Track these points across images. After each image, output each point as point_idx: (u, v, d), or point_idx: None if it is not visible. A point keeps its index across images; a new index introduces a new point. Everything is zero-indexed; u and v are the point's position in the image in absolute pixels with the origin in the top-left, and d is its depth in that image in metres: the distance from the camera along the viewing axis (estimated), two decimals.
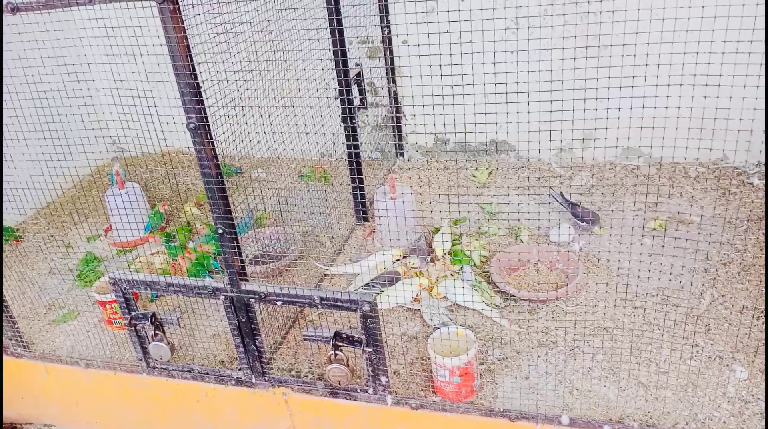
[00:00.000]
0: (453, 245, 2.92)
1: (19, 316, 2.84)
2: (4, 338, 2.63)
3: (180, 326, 2.36)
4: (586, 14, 3.33)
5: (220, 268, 3.08)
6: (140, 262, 3.10)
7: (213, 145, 1.93)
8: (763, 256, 2.75)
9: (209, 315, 2.78)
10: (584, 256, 2.91)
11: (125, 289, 2.29)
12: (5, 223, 3.59)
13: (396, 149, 4.06)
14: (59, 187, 3.17)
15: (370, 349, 2.11)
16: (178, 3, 1.72)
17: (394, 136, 4.01)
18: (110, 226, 3.54)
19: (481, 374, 2.28)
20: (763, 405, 2.03)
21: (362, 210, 3.39)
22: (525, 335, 2.47)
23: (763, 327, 2.35)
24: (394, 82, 3.81)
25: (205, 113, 1.87)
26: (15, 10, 1.89)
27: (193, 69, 1.80)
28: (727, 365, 2.21)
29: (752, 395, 2.08)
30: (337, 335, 2.12)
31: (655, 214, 3.14)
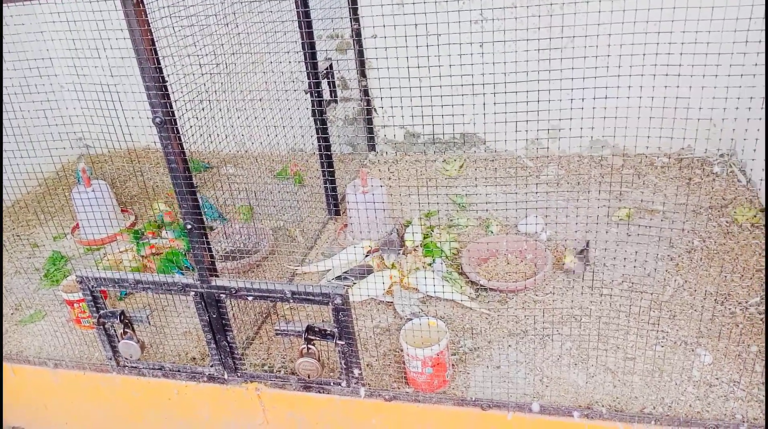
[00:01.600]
0: (424, 238, 2.94)
1: None
2: None
3: (150, 324, 2.34)
4: (549, 6, 3.37)
5: (191, 266, 3.06)
6: (108, 260, 3.06)
7: (180, 139, 1.91)
8: (727, 243, 2.82)
9: (180, 312, 2.76)
10: (553, 245, 2.95)
11: (93, 287, 2.26)
12: None
13: (367, 143, 4.07)
14: (24, 185, 3.12)
15: (343, 342, 2.11)
16: None
17: (365, 130, 4.01)
18: (77, 224, 3.48)
19: (453, 364, 2.30)
20: (726, 388, 2.09)
21: (334, 204, 3.39)
22: (496, 325, 2.50)
23: (727, 312, 2.42)
24: (363, 76, 3.81)
25: (171, 107, 1.85)
26: None
27: (158, 62, 1.78)
28: (692, 350, 2.26)
29: (716, 379, 2.13)
30: (309, 329, 2.12)
31: (620, 204, 3.20)
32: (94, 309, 2.29)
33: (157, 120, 1.84)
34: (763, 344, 2.23)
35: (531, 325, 2.48)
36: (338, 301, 2.03)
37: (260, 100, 2.55)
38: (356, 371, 2.17)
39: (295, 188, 3.63)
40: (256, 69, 2.68)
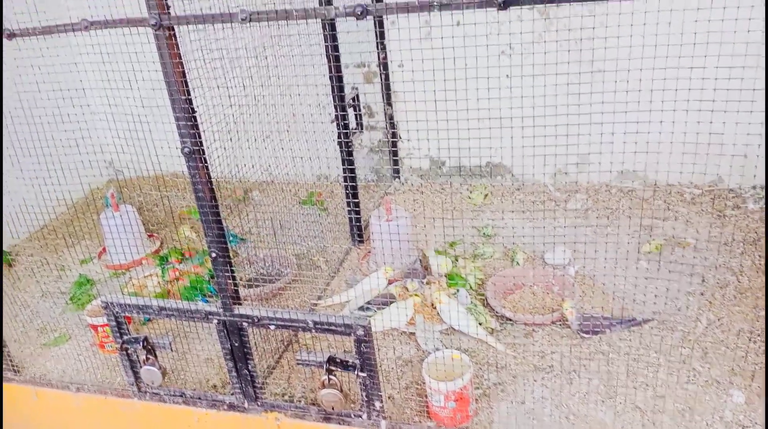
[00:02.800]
0: (451, 273, 2.89)
1: (10, 340, 2.81)
2: None
3: (172, 350, 2.34)
4: (579, 41, 3.37)
5: (215, 292, 3.07)
6: (133, 284, 3.08)
7: (207, 169, 1.93)
8: (760, 279, 2.75)
9: (202, 338, 2.76)
10: (580, 279, 2.90)
11: (117, 312, 2.27)
12: None
13: (392, 171, 4.07)
14: (53, 211, 3.17)
15: (365, 374, 2.08)
16: (173, 29, 1.73)
17: (390, 158, 4.02)
18: (104, 248, 3.52)
19: (476, 399, 2.26)
20: None
21: (358, 232, 3.38)
22: (521, 359, 2.45)
23: (760, 351, 2.34)
24: (390, 105, 3.83)
25: (199, 138, 1.87)
26: (11, 35, 1.90)
27: (188, 94, 1.81)
28: (725, 390, 2.19)
29: (750, 420, 2.06)
30: (331, 360, 2.10)
31: (650, 237, 3.14)
32: (118, 334, 2.30)
33: (186, 150, 1.86)
34: None
35: (557, 360, 2.43)
36: (360, 332, 2.01)
37: (287, 131, 2.57)
38: (377, 404, 2.14)
39: (318, 216, 3.63)
40: (284, 99, 2.70)
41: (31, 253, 3.70)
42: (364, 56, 3.72)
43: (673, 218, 3.32)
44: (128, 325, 2.32)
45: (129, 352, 2.33)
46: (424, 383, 2.24)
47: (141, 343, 2.27)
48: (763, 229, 3.11)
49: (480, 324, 2.62)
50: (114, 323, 2.28)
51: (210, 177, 1.94)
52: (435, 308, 2.70)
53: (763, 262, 2.86)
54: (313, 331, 2.08)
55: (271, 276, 3.08)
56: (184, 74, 1.79)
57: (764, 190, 3.39)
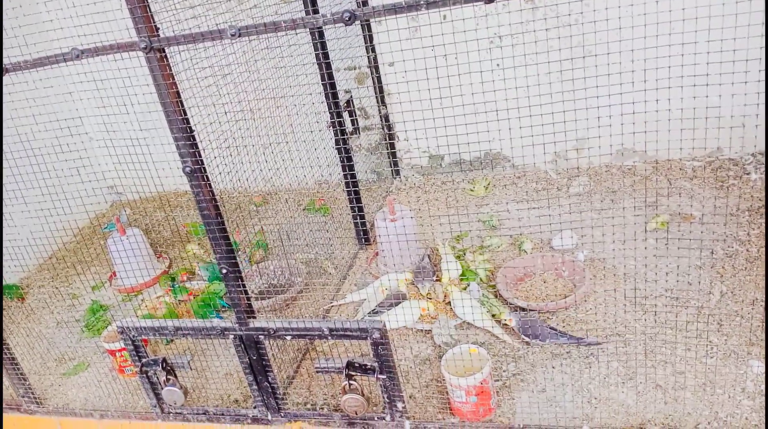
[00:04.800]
0: (463, 273, 2.87)
1: (30, 372, 2.82)
2: (16, 396, 2.62)
3: (191, 369, 2.35)
4: (568, 26, 3.36)
5: (228, 306, 3.08)
6: (146, 307, 3.10)
7: (210, 186, 1.93)
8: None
9: (219, 354, 2.77)
10: (589, 262, 2.90)
11: (134, 336, 2.28)
12: (9, 281, 3.58)
13: (392, 170, 4.07)
14: (59, 240, 3.19)
15: (384, 376, 2.09)
16: (164, 51, 1.73)
17: (389, 157, 4.02)
18: (114, 272, 3.54)
19: (497, 391, 2.27)
20: None
21: (363, 233, 3.39)
22: (537, 347, 2.46)
23: None
24: (384, 105, 3.83)
25: (200, 156, 1.88)
26: (3, 71, 1.91)
27: (185, 114, 1.81)
28: (744, 361, 2.19)
29: None
30: (350, 365, 2.11)
31: (655, 214, 3.14)
32: (136, 358, 2.31)
33: (187, 169, 1.87)
34: None
35: (574, 345, 2.43)
36: (377, 335, 2.02)
37: (286, 142, 2.58)
38: (399, 404, 2.14)
39: (323, 220, 3.64)
40: (279, 108, 2.71)
41: (41, 284, 3.72)
42: (355, 59, 3.73)
43: (677, 193, 3.32)
44: (145, 348, 2.33)
45: (149, 374, 2.34)
46: (443, 380, 2.24)
47: (160, 365, 2.28)
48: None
49: (494, 316, 2.62)
50: (131, 347, 2.30)
51: (213, 194, 1.95)
52: (448, 304, 2.71)
53: None
54: (330, 338, 2.09)
55: (281, 286, 3.09)
56: (178, 94, 1.80)
57: (765, 158, 3.39)
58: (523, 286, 2.79)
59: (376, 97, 3.78)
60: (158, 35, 1.71)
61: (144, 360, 2.31)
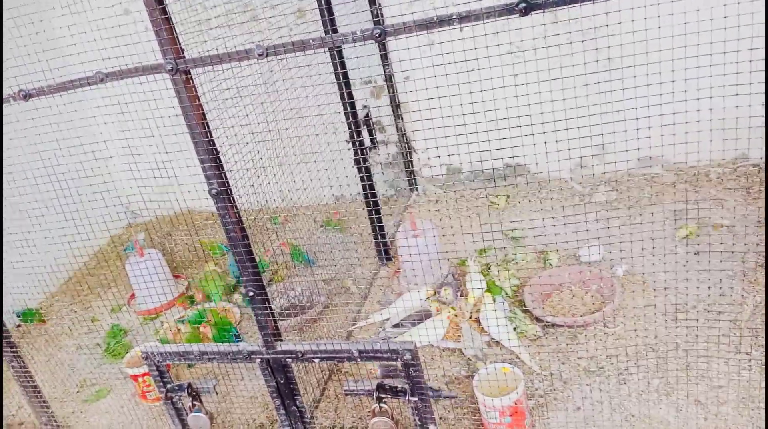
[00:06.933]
0: (488, 289, 2.82)
1: (52, 398, 2.79)
2: (39, 424, 2.58)
3: (216, 393, 2.30)
4: (591, 37, 3.30)
5: (238, 333, 3.04)
6: (167, 329, 3.06)
7: (236, 208, 1.90)
8: None
9: (242, 377, 2.73)
10: (603, 270, 2.83)
11: (158, 362, 2.24)
12: (28, 305, 3.55)
13: (410, 184, 4.03)
14: (79, 262, 3.16)
15: (416, 399, 2.04)
16: (190, 73, 1.70)
17: (407, 171, 3.98)
18: (133, 294, 3.50)
19: (531, 410, 2.21)
20: None
21: (384, 250, 3.34)
22: (570, 363, 2.40)
23: None
24: (401, 118, 3.80)
25: (225, 178, 1.84)
26: (27, 96, 1.89)
27: (211, 136, 1.78)
28: None
29: None
30: (380, 387, 2.06)
31: (683, 222, 3.08)
32: (161, 384, 2.27)
33: (213, 191, 1.83)
34: None
35: (607, 360, 2.37)
36: (408, 356, 1.96)
37: (306, 161, 2.55)
38: (432, 427, 2.09)
39: (341, 237, 3.60)
40: (299, 126, 2.68)
41: (60, 307, 3.69)
42: (370, 72, 3.70)
43: (703, 200, 3.26)
44: (169, 372, 2.29)
45: (173, 400, 2.30)
46: (475, 400, 2.19)
47: (185, 390, 2.24)
48: None
49: (521, 332, 2.57)
50: (156, 372, 2.25)
51: (240, 216, 1.91)
52: (477, 320, 2.66)
53: None
54: (359, 360, 2.04)
55: (303, 305, 3.05)
56: (204, 116, 1.77)
57: (765, 161, 3.32)
58: (551, 300, 2.74)
59: (393, 110, 3.75)
60: (184, 57, 1.68)
61: (169, 385, 2.26)
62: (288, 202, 2.72)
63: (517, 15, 1.42)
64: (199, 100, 1.74)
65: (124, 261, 3.71)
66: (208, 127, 1.77)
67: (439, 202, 3.92)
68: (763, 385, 2.10)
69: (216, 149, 1.80)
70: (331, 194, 3.98)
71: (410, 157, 3.93)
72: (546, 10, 1.42)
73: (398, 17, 3.41)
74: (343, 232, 3.67)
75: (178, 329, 3.06)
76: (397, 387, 2.05)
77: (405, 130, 3.83)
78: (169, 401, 2.30)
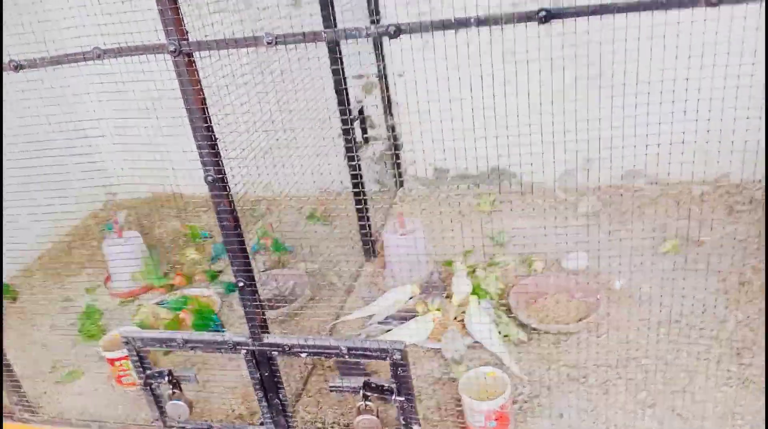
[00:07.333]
0: (474, 291, 2.81)
1: (23, 377, 2.71)
2: (9, 403, 2.51)
3: (197, 382, 2.26)
4: (583, 45, 3.31)
5: (220, 322, 3.00)
6: (144, 313, 3.00)
7: (231, 196, 1.86)
8: None
9: (221, 366, 2.69)
10: (601, 284, 2.85)
11: (139, 347, 2.19)
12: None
13: (396, 181, 4.01)
14: (52, 238, 3.07)
15: (402, 398, 2.03)
16: (192, 56, 1.66)
17: (394, 167, 3.96)
18: (109, 275, 3.42)
19: (515, 415, 2.21)
20: None
21: (371, 246, 3.31)
22: (554, 370, 2.41)
23: None
24: (390, 114, 3.77)
25: (222, 165, 1.80)
26: (18, 67, 1.82)
27: (209, 121, 1.74)
28: (762, 390, 2.16)
29: None
30: (367, 385, 2.04)
31: (664, 236, 3.12)
32: (141, 369, 2.22)
33: (209, 178, 1.79)
34: None
35: (592, 369, 2.39)
36: (398, 356, 1.95)
37: (302, 155, 2.51)
38: (416, 427, 2.08)
39: (326, 231, 3.57)
40: (291, 116, 2.65)
41: (33, 284, 3.58)
42: (363, 67, 3.66)
43: (685, 216, 3.30)
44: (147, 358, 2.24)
45: (153, 386, 2.25)
46: (458, 402, 2.18)
47: (166, 377, 2.20)
48: None
49: (506, 336, 2.57)
50: (136, 358, 2.20)
51: (234, 205, 1.87)
52: (461, 321, 2.66)
53: None
54: (348, 357, 2.02)
55: (285, 297, 3.01)
56: (204, 101, 1.72)
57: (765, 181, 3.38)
58: (536, 306, 2.75)
59: (384, 107, 3.72)
60: (187, 39, 1.64)
61: (149, 372, 2.22)
62: (275, 192, 2.68)
63: (537, 22, 1.41)
64: (200, 84, 1.70)
65: (100, 239, 3.64)
66: (208, 113, 1.73)
67: (424, 202, 3.91)
68: (745, 401, 2.13)
69: (214, 136, 1.76)
70: (315, 187, 3.94)
71: (398, 155, 3.91)
72: (565, 20, 1.41)
73: (406, 15, 3.38)
74: (327, 225, 3.63)
75: (157, 314, 3.00)
76: (383, 385, 2.03)
77: (395, 127, 3.80)
78: (148, 387, 2.26)
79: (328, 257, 3.30)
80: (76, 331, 3.07)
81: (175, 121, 3.57)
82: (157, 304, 3.08)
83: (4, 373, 2.45)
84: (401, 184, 4.05)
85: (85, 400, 2.63)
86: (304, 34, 1.55)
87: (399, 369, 1.98)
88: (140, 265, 3.24)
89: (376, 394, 2.05)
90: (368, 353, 1.99)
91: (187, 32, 1.64)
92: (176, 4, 1.59)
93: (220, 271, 3.36)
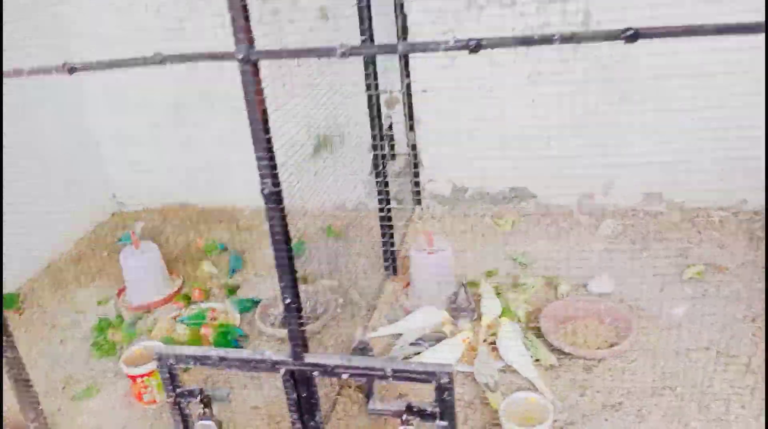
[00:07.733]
0: (503, 312, 2.78)
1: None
2: (25, 420, 2.40)
3: (230, 402, 2.19)
4: (608, 68, 3.32)
5: (244, 335, 2.92)
6: (160, 328, 2.91)
7: (284, 211, 1.81)
8: None
9: (242, 385, 2.61)
10: (626, 308, 2.83)
11: (171, 364, 2.11)
12: (6, 290, 3.33)
13: (413, 198, 3.97)
14: (59, 249, 2.97)
15: (445, 423, 1.97)
16: (258, 64, 1.62)
17: (412, 184, 3.92)
18: (122, 288, 3.31)
19: None
20: None
21: (392, 263, 3.26)
22: (588, 396, 2.38)
23: None
24: (412, 130, 3.74)
25: (277, 178, 1.76)
26: (72, 70, 1.76)
27: (269, 132, 1.70)
28: None
29: None
30: (409, 408, 1.99)
31: (686, 261, 3.12)
32: (171, 387, 2.14)
33: (266, 191, 1.74)
34: None
35: (625, 395, 2.36)
36: (445, 379, 1.90)
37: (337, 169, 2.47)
38: None
39: (346, 246, 3.51)
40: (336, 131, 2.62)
41: (40, 295, 3.46)
42: (387, 82, 3.64)
43: (706, 242, 3.30)
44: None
45: (181, 405, 2.17)
46: (495, 426, 2.14)
47: (197, 396, 2.12)
48: None
49: (537, 360, 2.54)
50: (167, 375, 2.12)
51: (286, 220, 1.82)
52: (492, 343, 2.62)
53: None
54: (392, 379, 1.96)
55: (309, 315, 2.95)
56: (265, 112, 1.68)
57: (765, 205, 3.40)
58: (565, 330, 2.72)
59: (406, 123, 3.69)
60: (253, 46, 1.60)
61: (179, 390, 2.14)
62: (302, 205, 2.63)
63: (623, 41, 1.39)
64: (263, 94, 1.66)
65: (110, 250, 3.55)
66: (268, 124, 1.68)
67: (442, 219, 3.87)
68: None
69: (272, 147, 1.71)
70: (332, 202, 3.89)
71: (417, 172, 3.87)
72: (652, 40, 1.39)
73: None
74: (346, 241, 3.58)
75: (171, 330, 2.92)
76: (425, 409, 1.98)
77: (415, 145, 3.77)
78: (177, 406, 2.17)
79: (348, 274, 3.24)
80: (89, 345, 2.97)
81: (197, 130, 3.55)
82: (174, 318, 3.00)
83: (22, 389, 2.35)
84: (419, 202, 4.01)
85: (102, 418, 2.53)
86: (378, 46, 1.52)
87: (445, 393, 1.92)
88: (158, 276, 3.15)
89: (417, 418, 2.00)
90: (413, 376, 1.94)
91: (253, 40, 1.60)
92: (247, 11, 1.55)
93: (238, 287, 3.28)
